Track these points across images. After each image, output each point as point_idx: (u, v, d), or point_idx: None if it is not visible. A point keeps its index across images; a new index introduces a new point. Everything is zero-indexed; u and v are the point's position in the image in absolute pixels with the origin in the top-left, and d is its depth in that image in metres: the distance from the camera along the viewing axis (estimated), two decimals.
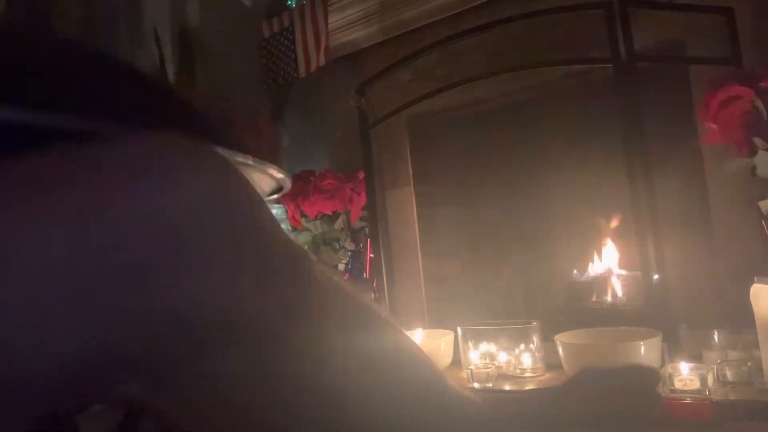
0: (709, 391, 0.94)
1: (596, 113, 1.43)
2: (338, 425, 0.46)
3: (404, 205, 1.81)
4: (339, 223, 1.85)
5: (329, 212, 1.84)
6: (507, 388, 1.17)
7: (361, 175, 1.72)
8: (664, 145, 1.31)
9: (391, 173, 1.83)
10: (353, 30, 1.84)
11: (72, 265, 0.33)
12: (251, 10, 2.08)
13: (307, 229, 1.89)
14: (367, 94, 1.62)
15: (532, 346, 1.22)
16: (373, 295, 1.73)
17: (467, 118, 1.82)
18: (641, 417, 0.63)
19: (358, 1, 1.80)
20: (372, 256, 1.78)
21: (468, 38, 1.46)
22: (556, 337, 1.17)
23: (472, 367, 1.21)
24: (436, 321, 1.60)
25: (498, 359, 1.25)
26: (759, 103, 1.10)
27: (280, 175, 0.56)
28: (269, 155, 0.52)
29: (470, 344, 1.28)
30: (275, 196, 0.64)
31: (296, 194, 1.83)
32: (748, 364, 0.99)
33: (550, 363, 1.20)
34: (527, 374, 1.21)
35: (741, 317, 1.00)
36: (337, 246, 1.87)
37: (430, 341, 1.36)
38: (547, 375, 1.20)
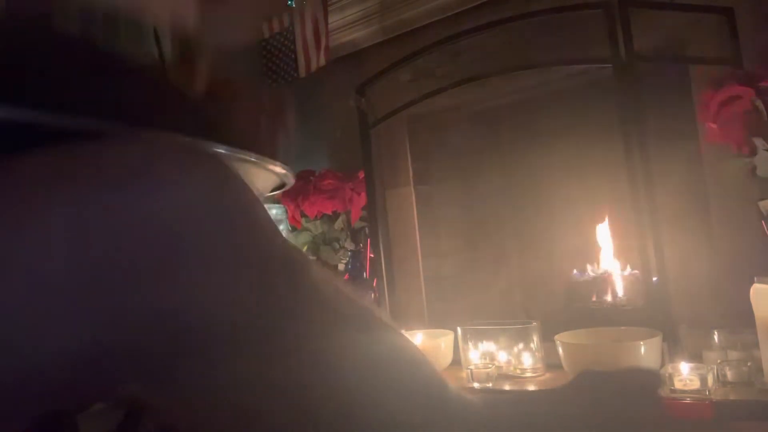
0: (709, 391, 0.94)
1: (596, 113, 1.43)
2: (338, 426, 0.46)
3: (404, 205, 1.81)
4: (339, 223, 1.85)
5: (329, 212, 1.84)
6: (507, 388, 1.17)
7: (361, 175, 1.72)
8: (664, 145, 1.31)
9: (391, 173, 1.83)
10: (353, 30, 1.84)
11: (72, 267, 0.34)
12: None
13: (307, 229, 1.89)
14: (367, 94, 1.62)
15: (532, 346, 1.22)
16: (372, 295, 1.73)
17: (467, 118, 1.82)
18: (642, 420, 0.63)
19: (358, 1, 1.80)
20: (372, 256, 1.78)
21: (468, 38, 1.46)
22: (556, 337, 1.17)
23: (472, 367, 1.21)
24: (436, 321, 1.60)
25: (498, 359, 1.24)
26: (759, 103, 1.10)
27: (282, 171, 0.56)
28: (269, 148, 0.53)
29: (470, 344, 1.28)
30: (278, 192, 0.64)
31: (296, 194, 1.83)
32: (748, 364, 0.99)
33: (550, 363, 1.20)
34: (527, 374, 1.21)
35: (741, 317, 1.00)
36: (337, 246, 1.87)
37: (430, 341, 1.36)
38: (547, 375, 1.20)
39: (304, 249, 1.86)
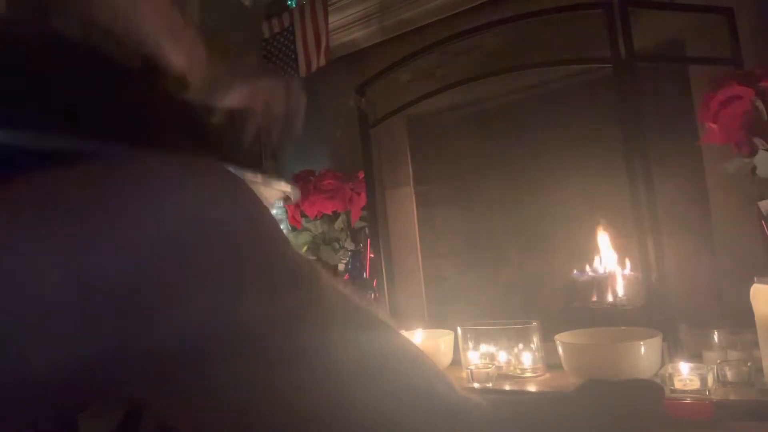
0: (709, 391, 0.94)
1: (596, 113, 1.43)
2: (340, 427, 0.46)
3: (404, 205, 1.81)
4: (339, 223, 1.85)
5: (329, 212, 1.84)
6: (507, 388, 1.17)
7: (361, 175, 1.72)
8: (664, 145, 1.31)
9: (391, 173, 1.83)
10: (353, 30, 1.84)
11: (77, 281, 0.34)
12: (251, 10, 2.08)
13: (307, 229, 1.89)
14: (367, 94, 1.62)
15: (532, 346, 1.22)
16: (373, 295, 1.73)
17: (467, 118, 1.82)
18: (644, 430, 0.64)
19: (358, 1, 1.80)
20: (372, 256, 1.78)
21: (468, 38, 1.46)
22: (556, 337, 1.17)
23: (472, 367, 1.21)
24: (436, 321, 1.60)
25: (498, 359, 1.25)
26: (759, 103, 1.10)
27: (287, 189, 0.58)
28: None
29: (470, 344, 1.28)
30: (281, 201, 0.67)
31: None
32: (748, 364, 0.99)
33: (550, 363, 1.20)
34: (527, 374, 1.21)
35: (741, 317, 1.00)
36: (337, 246, 1.87)
37: (430, 341, 1.36)
38: (547, 375, 1.20)
39: (304, 249, 1.86)
